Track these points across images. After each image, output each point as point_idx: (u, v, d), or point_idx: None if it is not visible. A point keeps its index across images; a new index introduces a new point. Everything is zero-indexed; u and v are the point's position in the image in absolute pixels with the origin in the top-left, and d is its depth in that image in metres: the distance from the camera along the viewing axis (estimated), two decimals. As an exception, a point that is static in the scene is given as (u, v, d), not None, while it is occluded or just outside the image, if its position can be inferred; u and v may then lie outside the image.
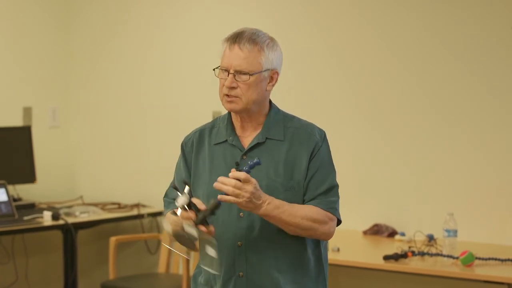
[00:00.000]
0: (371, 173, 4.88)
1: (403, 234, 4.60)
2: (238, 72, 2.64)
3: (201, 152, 2.77)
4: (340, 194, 2.77)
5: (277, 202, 2.59)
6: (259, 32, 2.69)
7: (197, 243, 2.57)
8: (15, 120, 5.79)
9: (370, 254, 4.43)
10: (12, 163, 5.54)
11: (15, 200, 5.34)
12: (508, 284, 3.80)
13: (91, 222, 5.32)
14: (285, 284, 2.64)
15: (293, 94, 5.07)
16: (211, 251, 2.57)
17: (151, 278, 5.46)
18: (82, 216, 5.31)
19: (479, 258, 3.98)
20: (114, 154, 5.96)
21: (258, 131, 2.73)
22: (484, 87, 4.55)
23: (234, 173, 2.53)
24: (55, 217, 5.09)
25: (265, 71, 2.67)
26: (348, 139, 4.92)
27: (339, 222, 2.74)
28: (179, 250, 2.65)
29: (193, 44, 5.53)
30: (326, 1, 5.03)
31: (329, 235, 2.72)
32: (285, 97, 4.76)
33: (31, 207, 5.43)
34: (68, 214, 5.25)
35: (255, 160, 2.55)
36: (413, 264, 4.02)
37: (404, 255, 4.05)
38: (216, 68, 2.70)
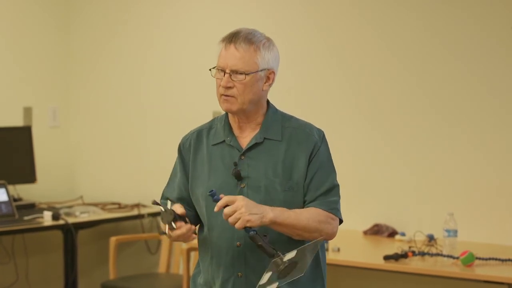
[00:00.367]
0: (372, 173, 4.87)
1: (403, 234, 4.60)
2: (234, 72, 2.64)
3: (199, 153, 2.77)
4: (341, 194, 2.76)
5: (278, 208, 2.59)
6: (255, 32, 2.68)
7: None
8: (16, 120, 5.79)
9: (371, 254, 4.43)
10: (12, 163, 5.54)
11: (15, 200, 5.34)
12: (509, 284, 3.80)
13: (91, 222, 5.32)
14: (283, 286, 2.63)
15: (293, 94, 5.07)
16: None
17: (151, 278, 5.46)
18: (82, 216, 5.31)
19: (479, 258, 3.98)
20: (115, 154, 5.96)
21: (256, 131, 2.72)
22: (484, 87, 4.55)
23: (217, 207, 2.53)
24: (55, 217, 5.09)
25: (261, 70, 2.66)
26: (348, 139, 4.92)
27: (340, 221, 2.74)
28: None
29: (193, 44, 5.53)
30: (326, 1, 5.02)
31: (333, 235, 2.71)
32: (285, 97, 4.78)
33: (32, 207, 5.44)
34: (68, 214, 5.25)
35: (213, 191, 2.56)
36: (413, 264, 4.02)
37: (404, 255, 4.05)
38: (213, 68, 2.70)
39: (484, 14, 4.53)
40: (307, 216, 2.61)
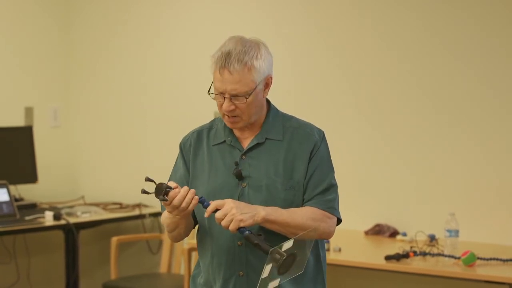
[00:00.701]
0: (373, 173, 4.87)
1: (404, 234, 4.59)
2: (234, 96, 2.62)
3: (199, 153, 2.77)
4: (342, 194, 2.76)
5: (269, 207, 2.60)
6: (245, 47, 2.62)
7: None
8: (17, 120, 5.79)
9: (372, 254, 4.43)
10: (13, 163, 5.55)
11: (16, 200, 5.35)
12: (510, 284, 3.79)
13: (93, 222, 5.32)
14: (284, 284, 2.63)
15: (293, 94, 5.07)
16: None
17: (153, 278, 5.46)
18: (83, 216, 5.31)
19: (481, 258, 3.97)
20: (116, 154, 5.96)
21: (257, 131, 2.72)
22: (485, 87, 4.55)
23: (207, 212, 2.54)
24: (57, 217, 5.09)
25: (259, 83, 2.65)
26: (349, 140, 4.92)
27: (339, 221, 2.74)
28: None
29: (194, 44, 5.52)
30: (326, 1, 5.02)
31: (330, 234, 2.71)
32: (285, 97, 4.78)
33: (33, 207, 5.44)
34: (69, 214, 5.26)
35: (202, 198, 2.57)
36: (415, 264, 4.02)
37: (405, 255, 4.05)
38: (210, 93, 2.66)
39: (484, 14, 4.53)
40: (301, 215, 2.62)
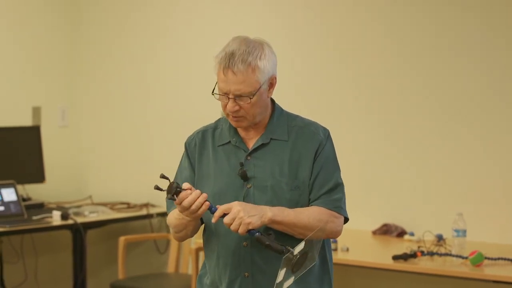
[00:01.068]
0: (380, 173, 4.86)
1: (412, 234, 4.58)
2: (238, 96, 2.61)
3: (204, 153, 2.76)
4: (349, 194, 2.76)
5: (276, 207, 2.59)
6: (248, 47, 2.62)
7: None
8: (24, 120, 5.80)
9: (379, 254, 4.42)
10: (21, 163, 5.55)
11: (24, 199, 5.35)
12: (518, 284, 3.79)
13: (100, 222, 5.33)
14: (291, 285, 2.62)
15: (300, 94, 5.07)
16: None
17: (160, 278, 5.46)
18: (91, 216, 5.32)
19: (489, 258, 3.96)
20: (123, 154, 5.97)
21: (262, 132, 2.72)
22: (491, 87, 4.53)
23: (214, 217, 2.54)
24: (64, 217, 5.10)
25: (263, 84, 2.64)
26: (356, 139, 4.91)
27: (346, 219, 2.73)
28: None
29: (201, 44, 5.52)
30: (333, 1, 5.01)
31: (337, 233, 2.70)
32: (292, 97, 4.79)
33: (40, 207, 5.45)
34: (77, 214, 5.26)
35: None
36: (422, 264, 4.01)
37: (413, 255, 4.04)
38: (214, 93, 2.66)
39: (490, 14, 4.52)
40: (307, 214, 2.61)
